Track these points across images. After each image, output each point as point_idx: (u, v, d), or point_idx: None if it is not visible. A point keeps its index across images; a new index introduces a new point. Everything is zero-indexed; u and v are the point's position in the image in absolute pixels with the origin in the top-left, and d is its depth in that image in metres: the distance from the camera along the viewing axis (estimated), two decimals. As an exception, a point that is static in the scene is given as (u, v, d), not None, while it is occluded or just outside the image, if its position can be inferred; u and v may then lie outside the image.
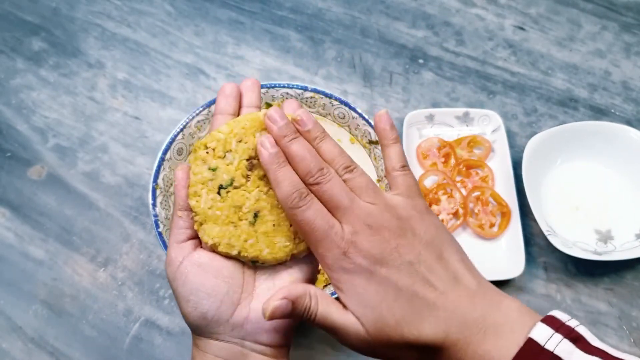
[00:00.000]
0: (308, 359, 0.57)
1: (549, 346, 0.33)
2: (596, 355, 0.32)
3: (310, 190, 0.37)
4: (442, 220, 0.62)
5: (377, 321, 0.35)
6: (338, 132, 0.61)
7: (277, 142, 0.38)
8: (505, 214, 0.62)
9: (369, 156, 0.60)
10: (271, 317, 0.34)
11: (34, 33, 0.77)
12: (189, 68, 0.74)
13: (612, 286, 0.61)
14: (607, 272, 0.61)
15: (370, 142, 0.59)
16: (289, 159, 0.37)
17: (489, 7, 0.78)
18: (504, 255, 0.61)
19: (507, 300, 0.36)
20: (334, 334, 0.36)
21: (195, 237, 0.40)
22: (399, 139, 0.40)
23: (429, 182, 0.65)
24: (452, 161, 0.66)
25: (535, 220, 0.59)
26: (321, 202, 0.37)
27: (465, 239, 0.63)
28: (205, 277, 0.38)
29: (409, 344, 0.35)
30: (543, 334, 0.33)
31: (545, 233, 0.58)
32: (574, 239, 0.61)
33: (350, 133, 0.61)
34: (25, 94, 0.72)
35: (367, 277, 0.35)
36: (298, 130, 0.38)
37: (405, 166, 0.39)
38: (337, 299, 0.37)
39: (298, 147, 0.37)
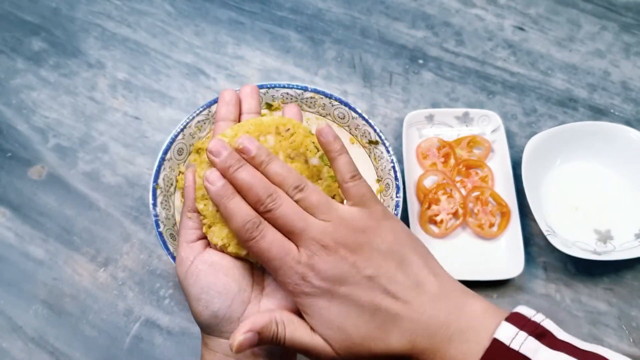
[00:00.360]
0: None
1: (514, 345, 0.33)
2: (562, 350, 0.32)
3: (263, 217, 0.37)
4: (442, 220, 0.62)
5: (343, 340, 0.35)
6: (338, 132, 0.61)
7: (223, 174, 0.37)
8: (505, 214, 0.62)
9: (369, 156, 0.60)
10: (238, 350, 0.34)
11: (34, 33, 0.77)
12: (189, 68, 0.74)
13: (611, 286, 0.61)
14: (607, 272, 0.61)
15: (370, 142, 0.59)
16: (237, 189, 0.37)
17: (489, 7, 0.79)
18: (503, 255, 0.61)
19: (471, 301, 0.36)
20: (305, 355, 0.37)
21: (204, 237, 0.40)
22: (344, 148, 0.39)
23: (429, 182, 0.65)
24: (452, 161, 0.66)
25: (534, 220, 0.59)
26: (276, 227, 0.37)
27: (465, 239, 0.63)
28: (216, 276, 0.38)
29: (379, 357, 0.35)
30: (508, 334, 0.33)
31: (545, 233, 0.58)
32: (574, 239, 0.62)
33: (350, 133, 0.61)
34: (26, 94, 0.72)
35: (329, 299, 0.35)
36: (244, 159, 0.38)
37: (355, 175, 0.39)
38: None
39: (245, 176, 0.37)
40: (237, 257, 0.39)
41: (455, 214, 0.63)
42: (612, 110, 0.71)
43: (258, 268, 0.41)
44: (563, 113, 0.71)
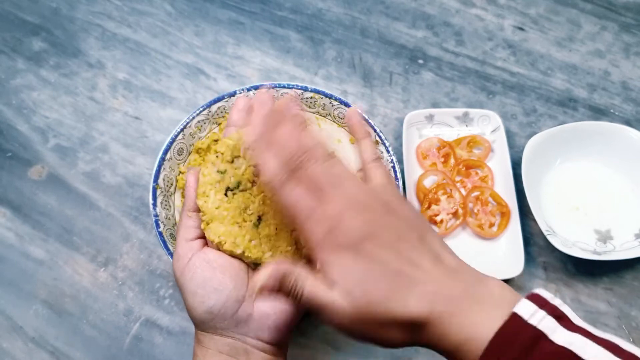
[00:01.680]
0: (309, 358, 0.57)
1: (533, 321, 0.33)
2: (579, 333, 0.33)
3: (294, 174, 0.38)
4: (442, 220, 0.62)
5: (363, 296, 0.35)
6: (338, 132, 0.61)
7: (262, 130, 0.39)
8: (505, 214, 0.62)
9: (369, 156, 0.60)
10: (260, 293, 0.35)
11: (34, 33, 0.77)
12: (189, 68, 0.74)
13: (611, 286, 0.61)
14: (607, 271, 0.61)
15: (370, 142, 0.59)
16: (273, 144, 0.38)
17: (489, 7, 0.79)
18: (503, 255, 0.61)
19: (489, 279, 0.37)
20: (320, 313, 0.37)
21: (203, 236, 0.42)
22: (368, 133, 0.43)
23: (429, 182, 0.65)
24: (452, 161, 0.66)
25: (534, 220, 0.59)
26: (305, 185, 0.37)
27: (465, 239, 0.63)
28: (213, 273, 0.39)
29: (395, 320, 0.35)
30: (527, 310, 0.34)
31: (545, 233, 0.58)
32: (574, 238, 0.62)
33: (350, 133, 0.61)
34: (26, 94, 0.72)
35: (354, 253, 0.36)
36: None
37: (378, 158, 0.41)
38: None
39: (282, 132, 0.38)
40: (232, 255, 0.40)
41: (455, 214, 0.63)
42: (612, 110, 0.71)
43: (253, 269, 0.41)
44: (563, 113, 0.71)
